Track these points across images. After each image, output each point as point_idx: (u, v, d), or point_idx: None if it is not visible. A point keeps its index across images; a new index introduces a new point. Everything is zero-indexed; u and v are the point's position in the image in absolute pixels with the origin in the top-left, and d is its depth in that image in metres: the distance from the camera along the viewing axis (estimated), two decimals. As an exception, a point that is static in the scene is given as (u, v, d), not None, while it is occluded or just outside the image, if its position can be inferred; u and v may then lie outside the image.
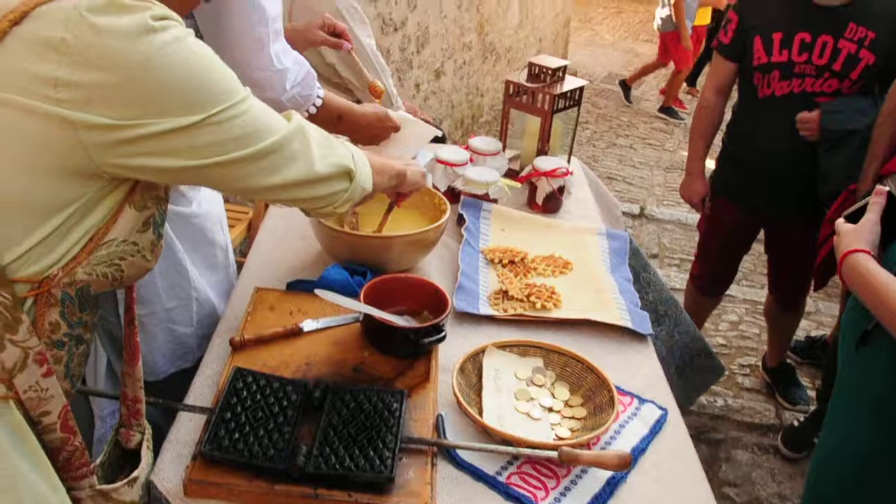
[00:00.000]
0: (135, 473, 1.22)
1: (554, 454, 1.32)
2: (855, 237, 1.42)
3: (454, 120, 5.75)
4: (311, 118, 1.73)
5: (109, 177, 0.99)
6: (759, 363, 3.41)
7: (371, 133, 1.94)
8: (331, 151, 1.19)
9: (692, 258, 3.22)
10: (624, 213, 4.73)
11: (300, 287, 1.73)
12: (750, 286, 4.08)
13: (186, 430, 1.37)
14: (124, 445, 1.27)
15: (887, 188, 1.46)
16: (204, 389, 1.48)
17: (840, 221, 1.50)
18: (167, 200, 1.12)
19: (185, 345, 1.77)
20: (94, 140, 0.92)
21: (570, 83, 2.37)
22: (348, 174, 1.22)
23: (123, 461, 1.27)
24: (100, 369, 1.85)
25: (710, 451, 2.89)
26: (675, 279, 4.01)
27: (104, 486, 1.15)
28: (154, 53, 0.92)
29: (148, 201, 1.06)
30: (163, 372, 1.79)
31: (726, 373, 3.35)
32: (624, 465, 1.32)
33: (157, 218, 1.09)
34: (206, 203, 1.79)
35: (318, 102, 1.76)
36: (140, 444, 1.28)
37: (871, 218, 1.43)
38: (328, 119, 1.81)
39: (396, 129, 1.96)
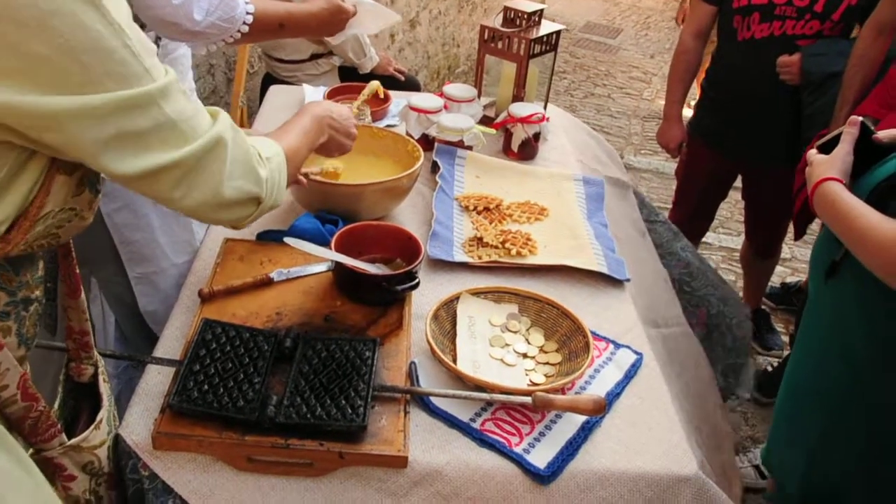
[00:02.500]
0: (99, 416, 1.19)
1: (528, 399, 1.31)
2: (828, 166, 1.42)
3: (430, 71, 5.66)
4: (247, 36, 1.63)
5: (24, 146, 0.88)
6: (735, 310, 3.43)
7: (325, 30, 1.84)
8: (244, 173, 1.07)
9: (669, 206, 3.21)
10: (601, 163, 4.70)
11: (271, 237, 1.69)
12: (727, 233, 4.09)
13: (155, 383, 1.35)
14: (76, 379, 1.24)
15: (860, 118, 1.45)
16: (173, 342, 1.45)
17: (812, 152, 1.50)
18: None
19: None
20: None
21: (546, 28, 2.32)
22: (256, 200, 1.11)
23: (77, 395, 1.25)
24: (109, 329, 1.82)
25: (687, 397, 2.91)
26: (653, 228, 4.00)
27: (74, 441, 1.13)
28: (57, 12, 0.79)
29: (77, 161, 0.94)
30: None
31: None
32: (598, 410, 1.32)
33: (91, 176, 0.98)
34: None
35: (249, 20, 1.62)
36: (93, 377, 1.25)
37: (845, 148, 1.43)
38: (267, 31, 1.70)
39: (353, 14, 1.84)
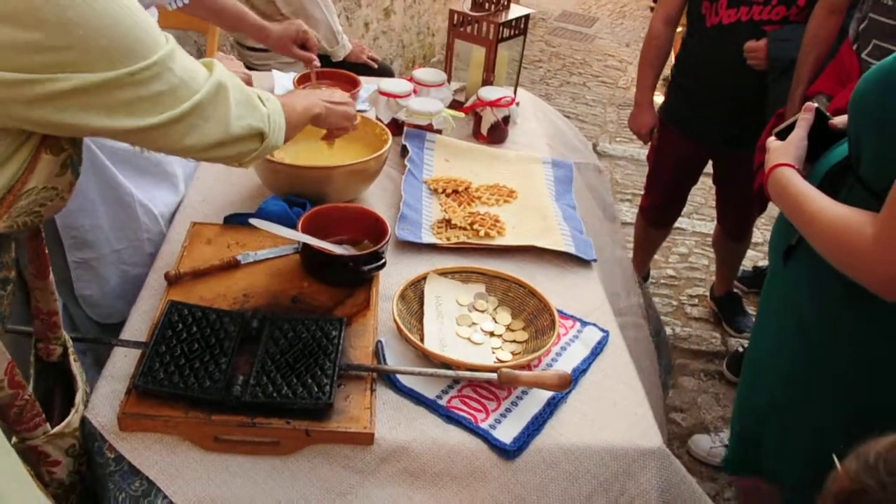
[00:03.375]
0: (77, 398, 1.22)
1: (494, 376, 1.32)
2: (782, 152, 1.44)
3: (405, 60, 5.65)
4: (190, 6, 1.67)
5: (22, 129, 0.93)
6: (707, 293, 3.46)
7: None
8: (248, 112, 1.14)
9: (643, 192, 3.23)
10: (576, 151, 4.72)
11: (238, 220, 1.69)
12: (700, 219, 4.12)
13: (121, 366, 1.35)
14: (45, 359, 1.25)
15: (816, 105, 1.47)
16: (140, 325, 1.45)
17: (770, 139, 1.52)
18: (82, 139, 1.06)
19: (141, 285, 1.74)
20: (5, 95, 0.85)
21: (515, 12, 2.33)
22: (260, 135, 1.18)
23: (48, 376, 1.26)
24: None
25: (659, 379, 2.94)
26: (627, 214, 4.02)
27: (57, 429, 1.16)
28: (72, 5, 0.84)
29: (63, 143, 1.00)
30: (120, 314, 1.76)
31: (675, 304, 3.41)
32: (564, 385, 1.33)
33: (74, 158, 1.03)
34: None
35: None
36: (62, 356, 1.26)
37: (799, 134, 1.46)
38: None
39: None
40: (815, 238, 1.31)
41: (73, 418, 1.19)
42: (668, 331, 3.20)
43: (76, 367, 1.27)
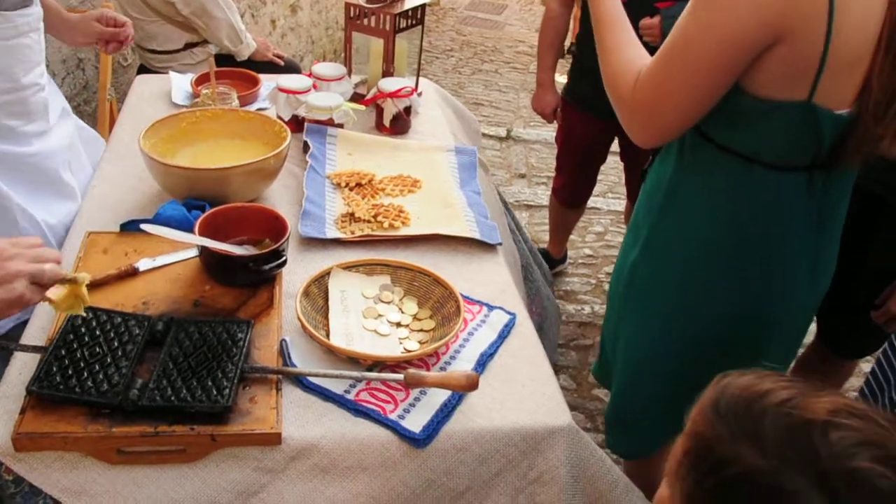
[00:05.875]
0: None
1: (400, 377, 1.31)
2: None
3: (315, 55, 5.60)
4: None
5: None
6: (624, 270, 3.54)
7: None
8: None
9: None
10: (491, 136, 4.76)
11: (135, 227, 1.64)
12: (615, 197, 4.20)
13: (15, 384, 1.30)
14: None
15: None
16: (35, 342, 1.40)
17: None
18: None
19: None
20: None
21: (410, 2, 2.32)
22: None
23: None
24: None
25: (580, 357, 2.99)
26: (542, 196, 4.08)
27: None
28: None
29: None
30: (1, 327, 1.71)
31: (593, 282, 3.47)
32: (472, 386, 1.30)
33: None
34: (51, 143, 1.75)
35: None
36: None
37: None
38: None
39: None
40: (603, 73, 1.36)
41: None
42: (588, 309, 3.27)
43: None
